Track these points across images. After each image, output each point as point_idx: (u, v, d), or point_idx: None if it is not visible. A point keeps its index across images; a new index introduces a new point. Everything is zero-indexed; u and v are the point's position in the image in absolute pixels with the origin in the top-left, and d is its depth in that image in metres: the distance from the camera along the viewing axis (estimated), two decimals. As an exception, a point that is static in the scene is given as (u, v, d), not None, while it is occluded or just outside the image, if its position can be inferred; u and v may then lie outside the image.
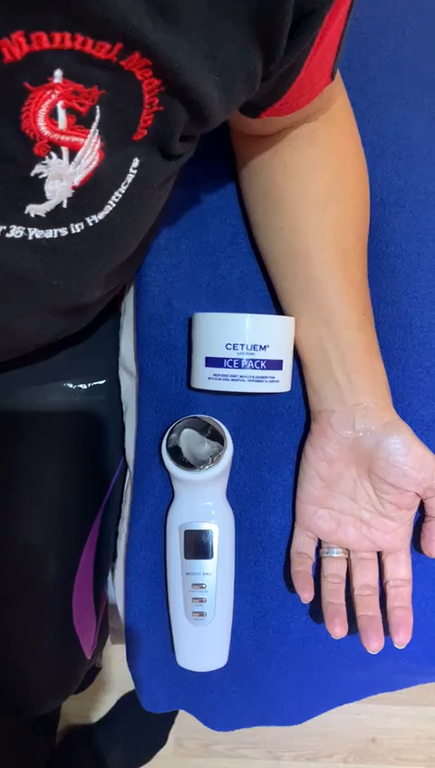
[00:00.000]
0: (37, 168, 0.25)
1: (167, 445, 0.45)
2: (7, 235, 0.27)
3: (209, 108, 0.27)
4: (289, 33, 0.27)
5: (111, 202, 0.29)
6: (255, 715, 0.51)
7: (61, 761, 0.91)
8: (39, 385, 0.51)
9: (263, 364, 0.42)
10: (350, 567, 0.45)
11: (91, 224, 0.29)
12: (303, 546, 0.46)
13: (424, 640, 0.48)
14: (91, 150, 0.26)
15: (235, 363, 0.42)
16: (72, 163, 0.26)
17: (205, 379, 0.43)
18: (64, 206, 0.27)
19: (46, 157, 0.25)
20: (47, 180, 0.26)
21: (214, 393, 0.47)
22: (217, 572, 0.45)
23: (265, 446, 0.48)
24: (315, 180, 0.42)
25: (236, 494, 0.48)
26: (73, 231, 0.29)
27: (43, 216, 0.27)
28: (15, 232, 0.27)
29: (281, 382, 0.44)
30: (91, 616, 0.53)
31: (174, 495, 0.47)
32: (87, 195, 0.28)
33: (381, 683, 0.52)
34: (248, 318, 0.42)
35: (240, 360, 0.42)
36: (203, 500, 0.46)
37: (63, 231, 0.29)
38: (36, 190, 0.26)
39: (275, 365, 0.43)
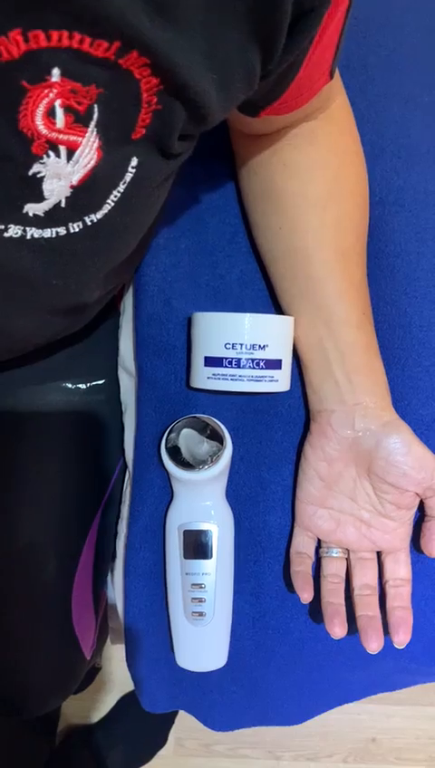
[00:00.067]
0: (35, 168, 0.25)
1: (166, 444, 0.45)
2: (5, 235, 0.27)
3: (208, 106, 0.27)
4: (288, 32, 0.27)
5: (109, 201, 0.29)
6: (254, 715, 0.51)
7: (61, 761, 0.91)
8: (38, 385, 0.51)
9: (262, 364, 0.42)
10: (349, 567, 0.45)
11: (89, 223, 0.29)
12: (302, 546, 0.45)
13: (424, 640, 0.48)
14: (89, 149, 0.26)
15: (234, 363, 0.42)
16: (71, 162, 0.26)
17: (204, 378, 0.43)
18: (63, 205, 0.27)
19: (44, 156, 0.25)
20: (45, 179, 0.26)
21: (213, 393, 0.47)
22: (217, 572, 0.45)
23: (265, 446, 0.48)
24: (315, 179, 0.42)
25: (236, 493, 0.48)
26: (72, 230, 0.29)
27: (42, 215, 0.27)
28: (14, 231, 0.27)
29: (280, 382, 0.43)
30: (90, 616, 0.53)
31: (173, 495, 0.47)
32: (85, 194, 0.27)
33: (381, 683, 0.52)
34: (247, 317, 0.42)
35: (239, 359, 0.42)
36: (202, 500, 0.46)
37: (62, 230, 0.29)
38: (34, 189, 0.26)
39: (275, 364, 0.43)
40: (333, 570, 0.45)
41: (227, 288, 0.48)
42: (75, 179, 0.26)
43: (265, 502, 0.48)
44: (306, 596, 0.43)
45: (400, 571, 0.44)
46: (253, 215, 0.46)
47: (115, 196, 0.29)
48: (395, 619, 0.43)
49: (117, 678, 1.01)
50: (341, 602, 0.44)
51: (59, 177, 0.26)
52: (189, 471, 0.44)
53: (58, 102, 0.23)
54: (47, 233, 0.28)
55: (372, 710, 1.03)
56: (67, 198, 0.27)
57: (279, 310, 0.47)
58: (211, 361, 0.42)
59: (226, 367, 0.42)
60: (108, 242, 0.31)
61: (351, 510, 0.44)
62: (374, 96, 0.50)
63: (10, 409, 0.50)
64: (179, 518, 0.46)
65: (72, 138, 0.25)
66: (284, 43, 0.27)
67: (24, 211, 0.27)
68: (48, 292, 0.33)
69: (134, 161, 0.28)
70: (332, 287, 0.42)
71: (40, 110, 0.23)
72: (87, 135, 0.25)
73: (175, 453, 0.44)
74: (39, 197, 0.27)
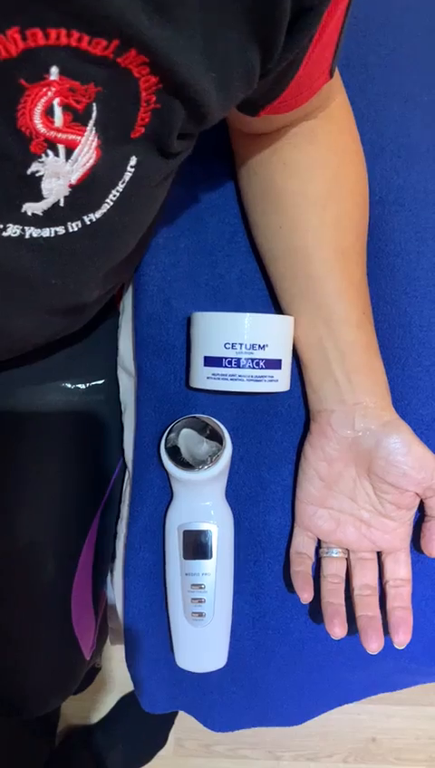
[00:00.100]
0: (34, 167, 0.25)
1: (165, 444, 0.45)
2: (4, 234, 0.27)
3: (207, 105, 0.27)
4: (287, 30, 0.26)
5: (108, 200, 0.29)
6: (254, 715, 0.51)
7: (60, 761, 0.91)
8: (37, 385, 0.51)
9: (262, 363, 0.42)
10: (349, 567, 0.45)
11: (88, 222, 0.29)
12: (302, 546, 0.45)
13: (424, 640, 0.48)
14: (87, 148, 0.25)
15: (233, 363, 0.42)
16: (69, 161, 0.26)
17: (203, 378, 0.43)
18: (61, 204, 0.27)
19: (43, 155, 0.25)
20: (44, 178, 0.26)
21: (213, 393, 0.47)
22: (217, 573, 0.45)
23: (265, 446, 0.48)
24: (315, 179, 0.42)
25: (236, 493, 0.48)
26: (71, 230, 0.29)
27: (40, 214, 0.27)
28: (12, 231, 0.27)
29: (280, 382, 0.43)
30: (90, 616, 0.53)
31: (173, 495, 0.47)
32: (84, 193, 0.27)
33: (381, 683, 0.52)
34: (247, 317, 0.42)
35: (239, 359, 0.42)
36: (202, 500, 0.45)
37: (61, 230, 0.28)
38: (33, 188, 0.26)
39: (274, 364, 0.42)
40: (333, 570, 0.45)
41: (227, 288, 0.48)
42: (74, 178, 0.26)
43: (264, 502, 0.48)
44: (306, 596, 0.43)
45: (400, 571, 0.44)
46: (252, 214, 0.46)
47: (114, 196, 0.28)
48: (395, 620, 0.43)
49: (117, 679, 1.01)
50: (341, 602, 0.44)
51: (58, 176, 0.26)
52: (189, 471, 0.44)
53: (56, 101, 0.23)
54: (46, 232, 0.28)
55: (373, 710, 1.03)
56: (66, 198, 0.27)
57: (279, 309, 0.47)
58: (211, 361, 0.42)
59: (225, 367, 0.42)
60: (107, 241, 0.31)
61: (351, 510, 0.44)
62: (374, 95, 0.50)
63: (9, 409, 0.50)
64: (179, 518, 0.46)
65: (71, 136, 0.25)
66: (283, 42, 0.27)
67: (23, 210, 0.27)
68: (47, 291, 0.33)
69: (133, 160, 0.28)
70: (331, 286, 0.42)
71: (38, 109, 0.23)
72: (86, 134, 0.25)
73: (174, 453, 0.44)
74: (38, 197, 0.26)
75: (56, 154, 0.25)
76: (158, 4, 0.22)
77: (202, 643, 0.47)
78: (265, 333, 0.42)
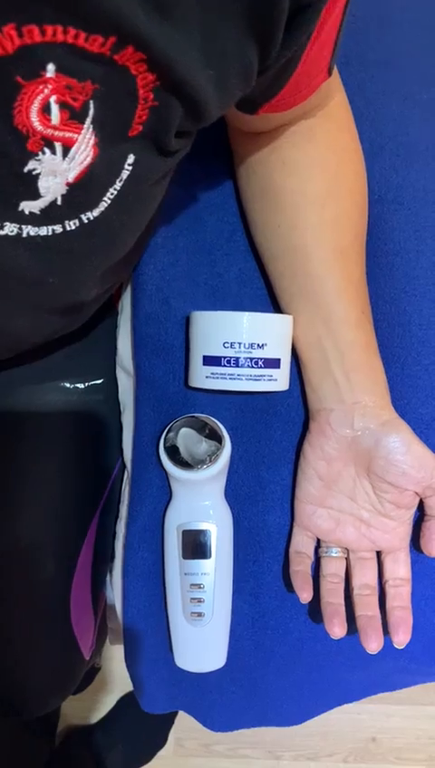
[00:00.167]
0: (30, 164, 0.25)
1: (164, 444, 0.45)
2: (1, 233, 0.27)
3: (205, 103, 0.26)
4: (285, 27, 0.26)
5: (106, 199, 0.28)
6: (254, 715, 0.51)
7: (60, 761, 0.91)
8: (36, 384, 0.51)
9: (261, 363, 0.42)
10: (349, 567, 0.45)
11: (86, 221, 0.29)
12: (301, 546, 0.45)
13: (424, 640, 0.48)
14: (85, 146, 0.25)
15: (232, 362, 0.42)
16: (66, 159, 0.25)
17: (202, 377, 0.43)
18: (59, 202, 0.27)
19: (39, 152, 0.25)
20: (41, 177, 0.26)
21: (212, 392, 0.47)
22: (216, 572, 0.45)
23: (264, 446, 0.48)
24: (313, 178, 0.42)
25: (235, 493, 0.48)
26: (68, 228, 0.29)
27: (38, 212, 0.27)
28: (9, 229, 0.27)
29: (279, 381, 0.43)
30: (89, 617, 0.53)
31: (172, 495, 0.47)
32: (82, 191, 0.27)
33: (381, 683, 0.52)
34: (246, 316, 0.41)
35: (238, 358, 0.41)
36: (201, 499, 0.45)
37: (58, 228, 0.28)
38: (30, 187, 0.26)
39: (273, 363, 0.42)
40: (333, 569, 0.44)
41: (226, 287, 0.48)
42: (71, 177, 0.26)
43: (264, 501, 0.48)
44: (306, 596, 0.43)
45: (399, 570, 0.44)
46: (251, 213, 0.46)
47: (112, 194, 0.28)
48: (395, 619, 0.42)
49: (117, 679, 1.01)
50: (340, 602, 0.43)
51: (55, 174, 0.26)
52: (188, 470, 0.44)
53: (53, 98, 0.23)
54: (43, 231, 0.28)
55: (372, 710, 1.03)
56: (63, 196, 0.27)
57: (278, 308, 0.47)
58: (210, 360, 0.42)
59: (224, 366, 0.42)
60: (105, 240, 0.31)
61: (350, 509, 0.44)
62: (373, 94, 0.50)
63: (8, 409, 0.50)
64: (178, 518, 0.45)
65: (68, 134, 0.25)
66: (281, 39, 0.27)
67: (20, 209, 0.27)
68: (45, 290, 0.32)
69: (131, 158, 0.27)
70: (331, 285, 0.42)
71: (35, 107, 0.23)
72: (83, 131, 0.25)
73: (173, 452, 0.44)
74: (35, 195, 0.26)
75: (53, 152, 0.25)
76: (156, 1, 0.22)
77: (201, 643, 0.46)
78: (263, 332, 0.42)
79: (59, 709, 0.95)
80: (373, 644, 0.42)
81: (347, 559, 0.45)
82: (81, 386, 0.52)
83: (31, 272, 0.30)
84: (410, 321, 0.48)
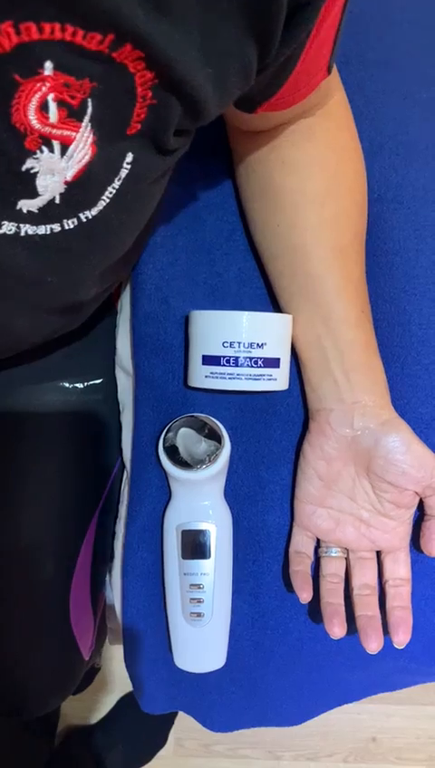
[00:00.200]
0: (28, 163, 0.25)
1: (164, 444, 0.45)
2: (-1, 232, 0.27)
3: (204, 101, 0.26)
4: (284, 25, 0.26)
5: (104, 198, 0.28)
6: (254, 715, 0.51)
7: (60, 761, 0.91)
8: (35, 384, 0.50)
9: (260, 362, 0.42)
10: (349, 566, 0.45)
11: (84, 220, 0.29)
12: (301, 545, 0.45)
13: (424, 640, 0.48)
14: (83, 144, 0.25)
15: (232, 361, 0.41)
16: (64, 157, 0.25)
17: (202, 377, 0.43)
18: (57, 201, 0.27)
19: (37, 151, 0.25)
20: (39, 175, 0.26)
21: (211, 392, 0.47)
22: (215, 573, 0.45)
23: (263, 445, 0.48)
24: (313, 177, 0.42)
25: (234, 493, 0.48)
26: (66, 227, 0.28)
27: (36, 211, 0.27)
28: (7, 228, 0.27)
29: (278, 380, 0.43)
30: (88, 617, 0.53)
31: (171, 495, 0.47)
32: (80, 190, 0.27)
33: (381, 683, 0.52)
34: (245, 315, 0.41)
35: (237, 358, 0.41)
36: (200, 499, 0.45)
37: (56, 227, 0.28)
38: (28, 185, 0.26)
39: (273, 363, 0.42)
40: (333, 569, 0.44)
41: (225, 286, 0.48)
42: (69, 175, 0.26)
43: (263, 501, 0.48)
44: (305, 596, 0.42)
45: (399, 570, 0.44)
46: (251, 212, 0.46)
47: (110, 193, 0.28)
48: (395, 619, 0.42)
49: (117, 679, 1.01)
50: (340, 602, 0.43)
51: (53, 172, 0.26)
52: (187, 470, 0.43)
53: (51, 96, 0.23)
54: (41, 229, 0.28)
55: (373, 710, 1.03)
56: (61, 195, 0.27)
57: (277, 308, 0.46)
58: (209, 360, 0.42)
59: (224, 365, 0.42)
60: (103, 239, 0.31)
61: (350, 509, 0.43)
62: (372, 92, 0.50)
63: (7, 409, 0.50)
64: (177, 518, 0.45)
65: (66, 132, 0.25)
66: (280, 37, 0.27)
67: (18, 207, 0.27)
68: (43, 289, 0.32)
69: (129, 157, 0.27)
70: (330, 284, 0.42)
71: (33, 105, 0.23)
72: (81, 130, 0.25)
73: (173, 452, 0.44)
74: (33, 193, 0.26)
75: (51, 150, 0.25)
76: None
77: (201, 643, 0.46)
78: (263, 332, 0.42)
79: (59, 709, 0.95)
80: (373, 644, 0.42)
81: (347, 559, 0.45)
82: (80, 386, 0.51)
83: (29, 271, 0.30)
84: (409, 320, 0.48)
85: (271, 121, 0.39)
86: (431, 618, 0.48)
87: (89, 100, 0.24)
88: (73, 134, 0.25)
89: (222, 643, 0.47)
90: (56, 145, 0.25)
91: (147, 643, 0.49)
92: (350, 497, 0.43)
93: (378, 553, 0.45)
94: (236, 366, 0.42)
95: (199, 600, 0.45)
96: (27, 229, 0.28)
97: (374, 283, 0.46)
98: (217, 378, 0.42)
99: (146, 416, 0.47)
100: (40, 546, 0.48)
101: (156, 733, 0.97)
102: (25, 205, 0.27)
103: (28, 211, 0.27)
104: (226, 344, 0.41)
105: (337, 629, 0.42)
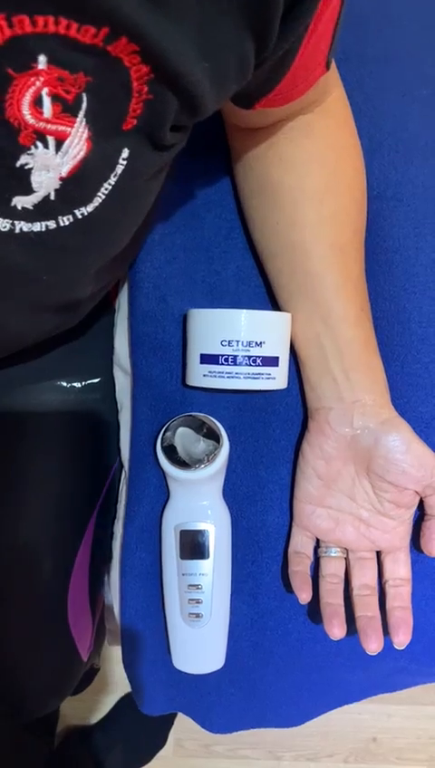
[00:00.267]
0: (23, 159, 0.25)
1: (162, 443, 0.44)
2: (-7, 229, 0.27)
3: (200, 96, 0.26)
4: (282, 19, 0.26)
5: (100, 194, 0.28)
6: (253, 717, 0.51)
7: (60, 762, 0.90)
8: (33, 384, 0.50)
9: (259, 361, 0.41)
10: (348, 567, 0.44)
11: (80, 216, 0.28)
12: (301, 546, 0.45)
13: (424, 640, 0.47)
14: (78, 140, 0.25)
15: (230, 360, 0.41)
16: (59, 153, 0.25)
17: (200, 376, 0.42)
18: (52, 197, 0.27)
19: (32, 146, 0.24)
20: (33, 171, 0.25)
21: (209, 391, 0.46)
22: (214, 573, 0.45)
23: (262, 445, 0.47)
24: (312, 174, 0.41)
25: (233, 493, 0.47)
26: (62, 224, 0.28)
27: (31, 208, 0.27)
28: (2, 225, 0.27)
29: (277, 379, 0.43)
30: (87, 618, 0.53)
31: (169, 495, 0.46)
32: (75, 186, 0.27)
33: (381, 684, 0.51)
34: (244, 314, 0.41)
35: (236, 356, 0.41)
36: (199, 499, 0.45)
37: (51, 224, 0.28)
38: (22, 181, 0.25)
39: (272, 362, 0.42)
40: (332, 570, 0.44)
41: (224, 284, 0.47)
42: (64, 171, 0.26)
43: (262, 501, 0.47)
44: (305, 596, 0.42)
45: (399, 570, 0.43)
46: (249, 210, 0.45)
47: (106, 189, 0.28)
48: (395, 620, 0.42)
49: (116, 679, 1.00)
50: (340, 603, 0.43)
51: (47, 168, 0.25)
52: (186, 470, 0.43)
53: (45, 91, 0.23)
54: (36, 226, 0.28)
55: (373, 710, 1.02)
56: (56, 191, 0.26)
57: (276, 306, 0.46)
58: (207, 359, 0.42)
59: (222, 364, 0.41)
60: (99, 236, 0.31)
61: (350, 509, 0.43)
62: (372, 89, 0.49)
63: (5, 409, 0.50)
64: (176, 518, 0.45)
65: (61, 128, 0.24)
66: (278, 31, 0.26)
67: (13, 204, 0.26)
68: (39, 287, 0.32)
69: (125, 153, 0.27)
70: (329, 282, 0.42)
71: (26, 99, 0.23)
72: (76, 125, 0.24)
73: (171, 452, 0.44)
74: (27, 190, 0.26)
75: (46, 146, 0.25)
76: None
77: (199, 644, 0.46)
78: (262, 330, 0.41)
79: (58, 709, 0.95)
80: (373, 645, 0.41)
81: (347, 559, 0.45)
82: (77, 385, 0.51)
83: (24, 268, 0.30)
84: (409, 318, 0.47)
85: (269, 118, 0.39)
86: (432, 618, 0.48)
87: (84, 94, 0.24)
88: (68, 129, 0.24)
89: (221, 644, 0.47)
90: (51, 140, 0.25)
91: (145, 644, 0.49)
92: (349, 497, 0.43)
93: (378, 553, 0.44)
94: (235, 365, 0.41)
95: (198, 601, 0.45)
96: (22, 226, 0.27)
97: (374, 280, 0.46)
98: (215, 376, 0.42)
99: (144, 415, 0.47)
100: (37, 546, 0.48)
101: (156, 733, 0.97)
102: (20, 201, 0.26)
103: (23, 208, 0.27)
104: (224, 343, 0.41)
105: (337, 630, 0.42)
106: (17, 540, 0.48)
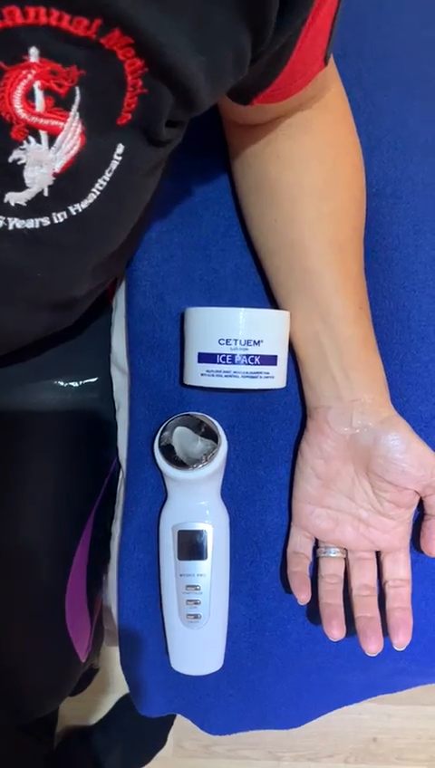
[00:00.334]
0: (15, 154, 0.24)
1: (159, 443, 0.44)
2: (-14, 226, 0.26)
3: (196, 90, 0.26)
4: (279, 11, 0.25)
5: (94, 190, 0.28)
6: (252, 718, 0.50)
7: (59, 762, 0.90)
8: (30, 383, 0.50)
9: (257, 359, 0.41)
10: (348, 567, 0.44)
11: (74, 213, 0.28)
12: (299, 546, 0.45)
13: (424, 641, 0.47)
14: (71, 135, 0.25)
15: (228, 359, 0.41)
16: (52, 148, 0.25)
17: (198, 375, 0.42)
18: (45, 194, 0.26)
19: (24, 141, 0.24)
20: (26, 167, 0.25)
21: (207, 390, 0.46)
22: (212, 573, 0.44)
23: (261, 444, 0.47)
24: (310, 170, 0.41)
25: (231, 493, 0.47)
26: (56, 220, 0.28)
27: (24, 204, 0.26)
28: None
29: (276, 378, 0.43)
30: (85, 618, 0.52)
31: (167, 495, 0.46)
32: (69, 182, 0.26)
33: (381, 685, 0.51)
34: (242, 312, 0.41)
35: (234, 355, 0.41)
36: (197, 499, 0.45)
37: (45, 220, 0.28)
38: (15, 177, 0.25)
39: (270, 360, 0.42)
40: (332, 570, 0.44)
41: (222, 282, 0.47)
42: (58, 167, 0.25)
43: (261, 501, 0.47)
44: (304, 597, 0.42)
45: (399, 571, 0.43)
46: (247, 207, 0.45)
47: (101, 185, 0.28)
48: (395, 620, 0.42)
49: (116, 680, 1.00)
50: (339, 603, 0.43)
51: (40, 164, 0.25)
52: (183, 470, 0.43)
53: (37, 84, 0.22)
54: (30, 223, 0.27)
55: (373, 710, 1.02)
56: (50, 187, 0.26)
57: (274, 304, 0.46)
58: (205, 358, 0.42)
59: (220, 363, 0.41)
60: (94, 233, 0.30)
61: (349, 509, 0.43)
62: (371, 85, 0.49)
63: (2, 409, 0.49)
64: (174, 518, 0.45)
65: (54, 122, 0.24)
66: (275, 24, 0.26)
67: (5, 200, 0.26)
68: (34, 285, 0.32)
69: (120, 148, 0.27)
70: (328, 280, 0.41)
71: (18, 93, 0.22)
72: (69, 119, 0.24)
73: (169, 452, 0.44)
74: (20, 186, 0.25)
75: (38, 141, 0.24)
76: None
77: (198, 645, 0.46)
78: (260, 329, 0.41)
79: (57, 710, 0.95)
80: (373, 646, 0.41)
81: (346, 559, 0.44)
82: (75, 384, 0.51)
83: (19, 266, 0.29)
84: (409, 316, 0.47)
85: (267, 114, 0.38)
86: (432, 618, 0.47)
87: (77, 88, 0.23)
88: (61, 124, 0.24)
89: (219, 645, 0.47)
90: (43, 135, 0.24)
91: (143, 645, 0.48)
92: (349, 497, 0.43)
93: (377, 554, 0.44)
94: (233, 363, 0.41)
95: (196, 602, 0.44)
96: (15, 223, 0.27)
97: (373, 278, 0.46)
98: (213, 376, 0.41)
99: (141, 414, 0.47)
100: (35, 545, 0.48)
101: (155, 734, 0.97)
102: (13, 198, 0.26)
103: (16, 204, 0.26)
104: (222, 341, 0.41)
105: (336, 631, 0.41)
106: (15, 540, 0.47)
